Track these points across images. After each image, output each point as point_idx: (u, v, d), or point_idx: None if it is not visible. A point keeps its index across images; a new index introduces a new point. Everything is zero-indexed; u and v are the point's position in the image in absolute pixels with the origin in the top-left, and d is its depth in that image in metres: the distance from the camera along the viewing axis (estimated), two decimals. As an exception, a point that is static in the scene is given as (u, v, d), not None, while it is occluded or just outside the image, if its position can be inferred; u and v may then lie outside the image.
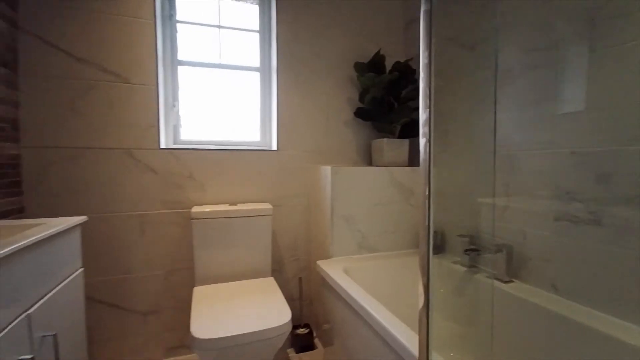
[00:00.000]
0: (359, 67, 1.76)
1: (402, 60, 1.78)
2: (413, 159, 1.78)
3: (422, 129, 0.59)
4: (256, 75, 1.82)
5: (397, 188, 1.68)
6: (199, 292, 1.34)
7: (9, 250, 0.64)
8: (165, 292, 1.55)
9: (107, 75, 1.42)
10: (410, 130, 1.74)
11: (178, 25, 1.67)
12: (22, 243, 0.69)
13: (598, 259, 0.98)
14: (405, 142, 1.73)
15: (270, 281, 1.46)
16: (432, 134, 0.58)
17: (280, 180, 1.73)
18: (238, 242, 1.49)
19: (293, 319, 1.63)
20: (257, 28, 1.81)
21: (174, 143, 1.65)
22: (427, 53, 0.58)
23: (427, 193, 0.67)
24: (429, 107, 0.58)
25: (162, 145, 1.54)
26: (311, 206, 1.78)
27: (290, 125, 1.74)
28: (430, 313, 0.73)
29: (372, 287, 1.30)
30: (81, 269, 1.00)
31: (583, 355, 0.94)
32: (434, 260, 1.55)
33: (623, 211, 0.92)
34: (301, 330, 1.67)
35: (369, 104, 1.73)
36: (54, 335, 0.78)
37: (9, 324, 0.65)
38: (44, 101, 1.36)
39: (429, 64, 0.58)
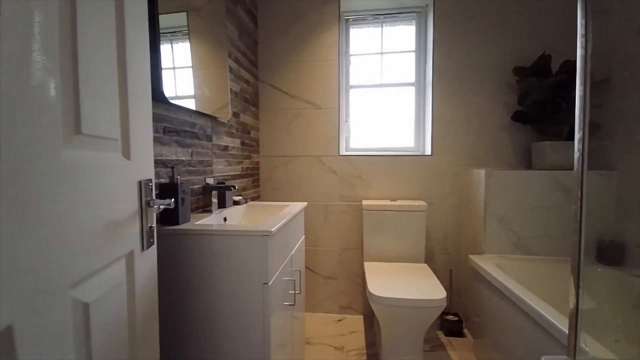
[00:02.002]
0: (519, 72, 1.78)
1: (572, 57, 1.68)
2: (588, 162, 1.66)
3: (577, 145, 0.74)
4: (411, 90, 2.11)
5: (562, 192, 1.63)
6: (368, 265, 1.74)
7: (287, 219, 1.16)
8: (339, 264, 2.05)
9: (307, 105, 2.02)
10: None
11: (351, 57, 2.15)
12: (291, 216, 1.23)
13: None
14: (568, 146, 1.64)
15: (425, 266, 1.73)
16: (585, 153, 0.72)
17: (433, 181, 1.96)
18: (397, 231, 1.82)
19: (444, 304, 1.83)
20: (413, 48, 2.09)
21: (346, 150, 2.14)
22: (582, 87, 0.72)
23: (579, 210, 0.74)
24: (583, 129, 0.72)
25: (341, 153, 2.04)
26: (462, 205, 1.93)
27: (443, 132, 1.94)
28: (580, 317, 0.82)
29: (528, 288, 1.37)
30: (304, 236, 1.56)
31: None
32: (609, 272, 1.48)
33: None
34: (450, 317, 1.86)
35: (529, 108, 1.73)
36: (299, 271, 1.31)
37: (286, 257, 1.18)
38: (271, 126, 2.07)
39: (584, 94, 0.72)
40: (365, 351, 1.69)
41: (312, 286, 2.07)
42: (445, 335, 1.84)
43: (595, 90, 1.57)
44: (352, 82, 2.15)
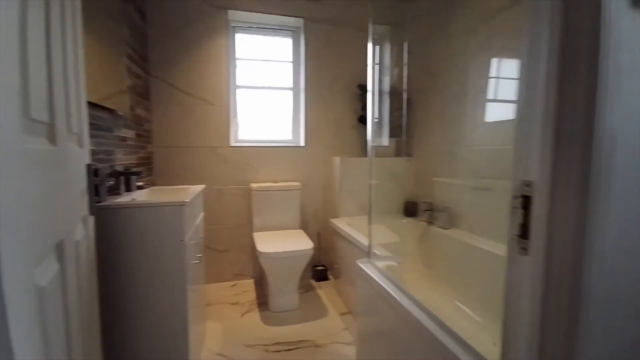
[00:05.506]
0: (361, 88, 2.51)
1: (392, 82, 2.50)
2: (400, 152, 2.52)
3: (369, 140, 1.35)
4: (289, 93, 2.61)
5: (386, 172, 2.43)
6: (257, 235, 2.18)
7: (194, 196, 1.47)
8: (232, 238, 2.42)
9: (200, 101, 2.27)
10: (398, 131, 2.48)
11: (237, 61, 2.49)
12: (196, 193, 1.53)
13: (490, 211, 1.71)
14: (392, 141, 2.48)
15: (300, 231, 2.29)
16: (373, 146, 1.33)
17: (306, 167, 2.53)
18: (279, 207, 2.32)
19: (313, 260, 2.44)
20: (291, 59, 2.59)
21: (235, 142, 2.49)
22: (371, 104, 1.33)
23: (370, 182, 1.43)
24: (371, 129, 1.34)
25: (231, 144, 2.38)
26: (328, 185, 2.57)
27: (314, 128, 2.52)
28: (372, 238, 1.49)
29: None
30: (203, 212, 1.85)
31: (478, 262, 1.68)
32: (408, 220, 2.32)
33: (503, 183, 1.63)
34: (319, 268, 2.49)
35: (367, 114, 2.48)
36: (202, 238, 1.63)
37: (193, 225, 1.48)
38: (165, 119, 2.23)
39: (372, 109, 1.33)
40: (256, 301, 2.14)
41: (208, 261, 2.37)
42: (316, 281, 2.47)
43: (406, 104, 2.41)
44: (238, 82, 2.50)
